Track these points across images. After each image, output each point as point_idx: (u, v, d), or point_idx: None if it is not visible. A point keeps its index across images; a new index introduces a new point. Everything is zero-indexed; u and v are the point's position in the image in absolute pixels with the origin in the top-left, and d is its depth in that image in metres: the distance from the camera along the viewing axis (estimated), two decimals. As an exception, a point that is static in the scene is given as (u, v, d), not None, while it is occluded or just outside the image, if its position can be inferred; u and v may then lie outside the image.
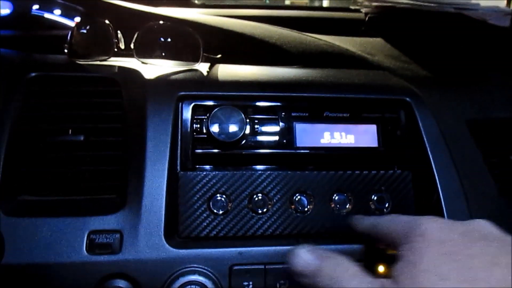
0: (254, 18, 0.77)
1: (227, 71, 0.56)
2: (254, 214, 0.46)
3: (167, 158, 0.46)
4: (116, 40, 0.53)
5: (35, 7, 0.73)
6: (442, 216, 0.47)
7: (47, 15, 0.73)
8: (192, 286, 0.41)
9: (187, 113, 0.49)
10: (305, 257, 0.36)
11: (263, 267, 0.43)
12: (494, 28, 0.65)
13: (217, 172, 0.47)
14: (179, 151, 0.48)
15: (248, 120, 0.48)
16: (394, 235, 0.35)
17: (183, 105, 0.49)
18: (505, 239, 0.31)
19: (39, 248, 0.41)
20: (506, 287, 0.27)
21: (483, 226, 0.33)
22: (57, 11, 0.74)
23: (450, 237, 0.31)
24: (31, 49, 0.58)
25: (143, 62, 0.53)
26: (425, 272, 0.30)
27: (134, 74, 0.51)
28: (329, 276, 0.34)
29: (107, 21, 0.54)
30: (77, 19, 0.72)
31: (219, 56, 0.59)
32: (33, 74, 0.49)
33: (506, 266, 0.28)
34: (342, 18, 0.88)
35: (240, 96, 0.50)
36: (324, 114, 0.51)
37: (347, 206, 0.48)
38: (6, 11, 0.72)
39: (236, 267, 0.43)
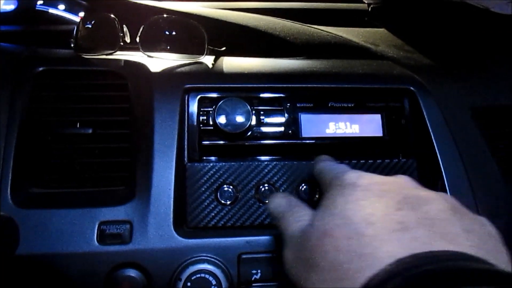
0: (257, 10, 0.77)
1: (232, 63, 0.56)
2: (261, 204, 0.47)
3: (175, 150, 0.46)
4: (121, 34, 0.54)
5: (40, 2, 0.73)
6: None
7: (51, 10, 0.73)
8: (201, 275, 0.42)
9: (194, 105, 0.49)
10: (277, 200, 0.39)
11: (271, 255, 0.44)
12: (497, 16, 0.65)
13: (224, 163, 0.48)
14: (186, 142, 0.48)
15: (253, 111, 0.49)
16: (324, 183, 0.37)
17: (189, 97, 0.49)
18: (418, 192, 0.30)
19: (51, 239, 0.42)
20: (401, 228, 0.26)
21: (402, 179, 0.33)
22: (61, 6, 0.74)
23: (364, 185, 0.31)
24: (36, 44, 0.58)
25: (148, 56, 0.54)
26: (333, 215, 0.30)
27: (140, 68, 0.52)
28: (286, 222, 0.36)
29: (112, 15, 0.54)
30: (81, 14, 0.72)
31: (223, 49, 0.59)
32: (41, 69, 0.49)
33: (408, 209, 0.28)
34: (345, 9, 0.87)
35: (245, 88, 0.50)
36: (329, 104, 0.51)
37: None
38: (10, 6, 0.72)
39: (244, 255, 0.43)
